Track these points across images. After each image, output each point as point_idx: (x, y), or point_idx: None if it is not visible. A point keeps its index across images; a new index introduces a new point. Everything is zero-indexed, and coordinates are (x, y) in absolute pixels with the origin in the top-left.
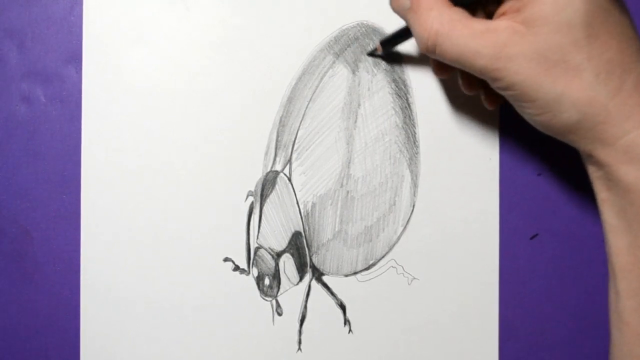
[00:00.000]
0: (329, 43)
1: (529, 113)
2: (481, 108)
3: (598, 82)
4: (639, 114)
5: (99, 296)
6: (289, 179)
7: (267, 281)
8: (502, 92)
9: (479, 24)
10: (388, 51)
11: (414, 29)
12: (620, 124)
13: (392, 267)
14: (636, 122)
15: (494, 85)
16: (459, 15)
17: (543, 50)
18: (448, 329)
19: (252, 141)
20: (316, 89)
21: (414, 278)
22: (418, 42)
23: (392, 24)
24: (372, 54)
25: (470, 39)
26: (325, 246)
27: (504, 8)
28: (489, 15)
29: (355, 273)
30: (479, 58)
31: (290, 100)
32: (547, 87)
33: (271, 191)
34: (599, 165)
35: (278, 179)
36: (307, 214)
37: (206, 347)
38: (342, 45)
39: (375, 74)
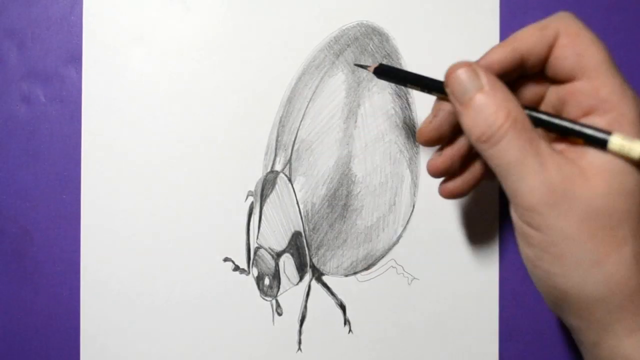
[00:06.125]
0: (329, 43)
1: (550, 272)
2: None
3: (635, 263)
4: None
5: (99, 296)
6: (289, 179)
7: (267, 281)
8: (531, 232)
9: (548, 151)
10: (381, 78)
11: (484, 107)
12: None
13: (392, 267)
14: None
15: (526, 226)
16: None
17: (596, 208)
18: (448, 329)
19: (252, 141)
20: (316, 89)
21: (414, 278)
22: (482, 121)
23: (393, 24)
24: (360, 65)
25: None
26: (325, 246)
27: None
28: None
29: (355, 273)
30: (529, 195)
31: (290, 100)
32: (587, 249)
33: (271, 191)
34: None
35: (278, 179)
36: (307, 214)
37: (206, 347)
38: (342, 45)
39: None
